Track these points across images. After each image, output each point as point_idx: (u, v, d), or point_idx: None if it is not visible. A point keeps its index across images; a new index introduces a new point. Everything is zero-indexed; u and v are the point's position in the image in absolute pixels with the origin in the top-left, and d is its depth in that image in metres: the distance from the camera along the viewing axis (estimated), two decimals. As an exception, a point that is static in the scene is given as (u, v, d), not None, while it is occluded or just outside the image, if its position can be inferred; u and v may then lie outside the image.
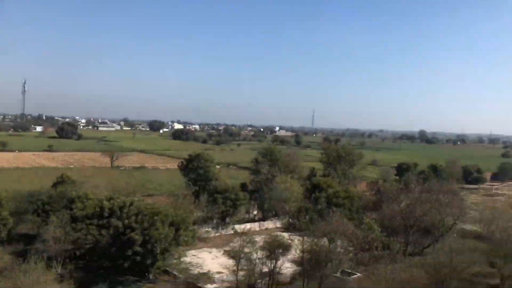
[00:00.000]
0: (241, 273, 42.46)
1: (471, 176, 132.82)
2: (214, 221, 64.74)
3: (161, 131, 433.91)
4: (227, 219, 66.12)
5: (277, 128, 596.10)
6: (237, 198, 66.85)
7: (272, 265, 42.42)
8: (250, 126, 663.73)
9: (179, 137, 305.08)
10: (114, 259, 44.09)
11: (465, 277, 45.74)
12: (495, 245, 52.20)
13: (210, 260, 52.03)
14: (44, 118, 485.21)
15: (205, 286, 43.30)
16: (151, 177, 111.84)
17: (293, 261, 46.31)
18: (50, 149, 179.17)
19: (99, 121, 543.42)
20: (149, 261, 42.42)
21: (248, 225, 67.71)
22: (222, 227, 64.90)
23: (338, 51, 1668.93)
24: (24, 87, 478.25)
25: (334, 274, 42.97)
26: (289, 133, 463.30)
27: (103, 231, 45.01)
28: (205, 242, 59.37)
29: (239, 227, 65.32)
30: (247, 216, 74.56)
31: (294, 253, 44.46)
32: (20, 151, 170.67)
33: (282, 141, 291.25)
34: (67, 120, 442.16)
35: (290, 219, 70.29)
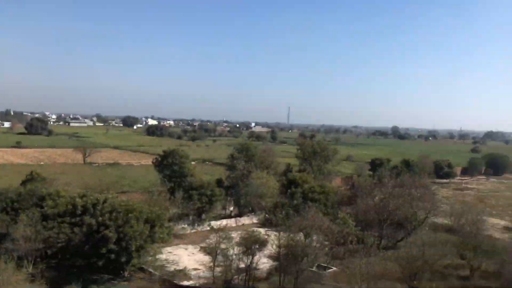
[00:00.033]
0: (217, 269, 42.35)
1: (442, 171, 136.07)
2: (190, 217, 64.27)
3: (135, 127, 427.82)
4: (203, 216, 65.74)
5: (253, 124, 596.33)
6: (213, 194, 66.53)
7: (249, 260, 42.46)
8: (225, 122, 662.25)
9: (154, 133, 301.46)
10: (88, 257, 43.27)
11: (436, 269, 46.96)
12: (465, 238, 53.76)
13: (186, 256, 51.65)
14: (12, 113, 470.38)
15: (181, 282, 42.98)
16: (125, 174, 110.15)
17: (270, 257, 46.45)
18: (18, 145, 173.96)
19: (71, 116, 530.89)
20: (124, 259, 41.76)
21: (224, 221, 67.41)
22: (198, 223, 64.49)
23: (312, 48, 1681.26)
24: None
25: (310, 269, 43.39)
26: (265, 129, 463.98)
27: (76, 229, 44.05)
28: (181, 238, 58.95)
29: (215, 224, 64.97)
30: (223, 212, 74.37)
31: (271, 249, 44.56)
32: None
33: (258, 137, 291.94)
34: (36, 115, 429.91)
35: (267, 215, 70.38)
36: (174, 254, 51.97)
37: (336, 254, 50.30)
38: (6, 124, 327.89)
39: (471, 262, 49.01)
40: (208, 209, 66.17)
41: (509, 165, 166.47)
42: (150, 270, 45.04)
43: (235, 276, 42.85)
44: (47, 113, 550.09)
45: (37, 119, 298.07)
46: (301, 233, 45.41)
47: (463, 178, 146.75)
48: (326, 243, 48.02)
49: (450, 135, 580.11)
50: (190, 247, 55.60)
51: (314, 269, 45.12)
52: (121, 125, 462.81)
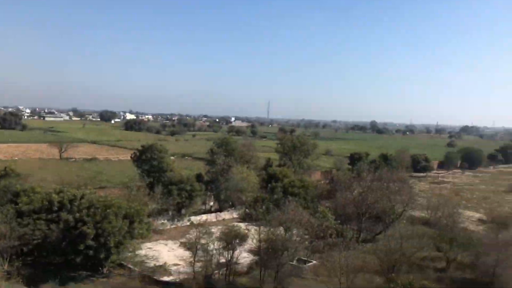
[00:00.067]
0: (198, 264, 42.17)
1: (419, 165, 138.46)
2: (170, 213, 63.75)
3: (112, 122, 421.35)
4: (183, 211, 65.31)
5: (233, 119, 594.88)
6: (193, 189, 66.10)
7: (229, 255, 42.40)
8: (205, 116, 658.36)
9: (132, 128, 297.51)
10: (65, 254, 42.41)
11: (414, 262, 47.89)
12: (442, 230, 54.94)
13: (166, 252, 51.26)
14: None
15: (161, 278, 42.66)
16: (103, 169, 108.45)
17: (250, 251, 46.52)
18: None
19: (46, 111, 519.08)
20: (102, 255, 41.15)
21: (204, 216, 67.24)
22: (178, 219, 64.03)
23: (291, 43, 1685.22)
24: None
25: (291, 262, 43.64)
26: (244, 124, 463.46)
27: (52, 226, 43.15)
28: (160, 234, 58.46)
29: (195, 219, 64.79)
30: (203, 207, 74.04)
31: (251, 243, 44.62)
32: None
33: (237, 131, 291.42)
34: (10, 109, 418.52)
35: (247, 210, 70.38)
36: (154, 250, 51.51)
37: (316, 248, 50.70)
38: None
39: (447, 254, 50.14)
40: (188, 204, 65.74)
41: (484, 159, 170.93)
42: (130, 266, 44.57)
43: (216, 271, 42.79)
44: (21, 107, 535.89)
45: (11, 113, 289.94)
46: (281, 227, 45.59)
47: (439, 172, 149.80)
48: (306, 237, 48.39)
49: (427, 130, 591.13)
50: (170, 242, 55.20)
51: (294, 263, 45.42)
52: (99, 119, 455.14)
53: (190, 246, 42.35)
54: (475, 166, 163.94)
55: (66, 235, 41.80)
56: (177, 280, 42.02)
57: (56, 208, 45.56)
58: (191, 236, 43.64)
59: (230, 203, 74.50)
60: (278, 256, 40.67)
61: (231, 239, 42.49)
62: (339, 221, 58.20)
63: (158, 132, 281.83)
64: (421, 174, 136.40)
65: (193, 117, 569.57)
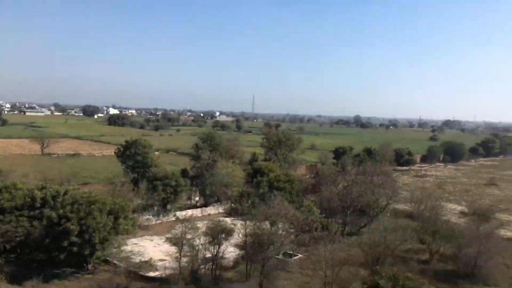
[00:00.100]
0: (184, 259, 42.05)
1: (402, 159, 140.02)
2: (155, 208, 63.39)
3: (95, 117, 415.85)
4: (168, 206, 65.02)
5: (218, 113, 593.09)
6: (178, 184, 65.80)
7: (215, 250, 42.42)
8: (189, 111, 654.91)
9: (115, 123, 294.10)
10: (49, 251, 41.87)
11: (398, 254, 48.64)
12: (425, 223, 55.83)
13: (151, 247, 51.01)
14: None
15: (147, 274, 42.48)
16: (86, 165, 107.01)
17: (236, 245, 46.59)
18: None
19: (26, 106, 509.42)
20: (87, 252, 40.74)
21: (190, 212, 67.05)
22: (163, 214, 63.73)
23: (276, 37, 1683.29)
24: None
25: (276, 256, 43.84)
26: (229, 118, 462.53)
27: (35, 223, 42.57)
28: (146, 230, 58.16)
29: (180, 214, 64.53)
30: (189, 202, 73.82)
31: (237, 238, 44.73)
32: None
33: (222, 126, 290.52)
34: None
35: (233, 204, 70.49)
36: (140, 246, 51.21)
37: (301, 242, 51.05)
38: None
39: (430, 247, 51.03)
40: (173, 199, 65.47)
41: (465, 153, 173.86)
42: (115, 262, 44.26)
43: (202, 266, 42.77)
44: (0, 102, 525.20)
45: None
46: (267, 221, 45.77)
47: (422, 165, 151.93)
48: (292, 230, 48.71)
49: (410, 124, 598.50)
50: (155, 238, 54.95)
51: (280, 256, 45.67)
52: (81, 114, 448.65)
53: (176, 241, 42.17)
54: (457, 159, 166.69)
55: (50, 231, 41.23)
56: (163, 276, 41.87)
57: (38, 205, 44.93)
58: (176, 232, 43.46)
59: (216, 198, 74.41)
60: (264, 250, 40.83)
61: (217, 233, 42.49)
62: (324, 215, 58.70)
63: (142, 127, 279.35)
64: (405, 168, 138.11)
65: (177, 112, 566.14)
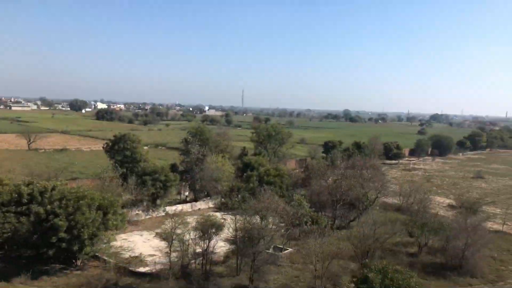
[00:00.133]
0: (174, 254, 41.88)
1: (391, 152, 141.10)
2: (144, 203, 62.94)
3: (83, 111, 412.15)
4: (158, 201, 64.63)
5: (207, 108, 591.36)
6: (167, 179, 65.43)
7: (205, 245, 42.30)
8: (178, 105, 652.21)
9: (103, 117, 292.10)
10: (37, 247, 41.44)
11: (387, 247, 49.07)
12: (413, 216, 56.31)
13: (141, 243, 50.74)
14: None
15: (137, 269, 42.27)
16: (74, 160, 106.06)
17: (227, 240, 46.54)
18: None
19: (12, 100, 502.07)
20: (76, 247, 40.32)
21: (179, 207, 66.77)
22: (153, 209, 63.35)
23: (266, 32, 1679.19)
24: None
25: (267, 250, 43.86)
26: (219, 113, 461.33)
27: (23, 219, 42.00)
28: (135, 225, 57.84)
29: (170, 209, 64.20)
30: (178, 197, 73.55)
31: (227, 232, 44.64)
32: None
33: (212, 120, 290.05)
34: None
35: (223, 199, 70.39)
36: (129, 241, 50.94)
37: (291, 236, 51.16)
38: None
39: (419, 240, 51.53)
40: (162, 194, 65.12)
41: (453, 146, 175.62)
42: (104, 257, 43.94)
43: (192, 261, 42.67)
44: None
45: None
46: (257, 215, 45.74)
47: (411, 159, 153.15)
48: (282, 225, 48.80)
49: (399, 118, 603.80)
50: (145, 233, 54.67)
51: (270, 251, 45.72)
52: (68, 109, 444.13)
53: (165, 237, 41.96)
54: (445, 153, 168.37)
55: (37, 228, 40.74)
56: (153, 271, 41.69)
57: (25, 201, 44.37)
58: (166, 227, 43.23)
59: (206, 192, 74.19)
60: (254, 244, 40.82)
61: (207, 228, 42.36)
62: (314, 209, 58.88)
63: (130, 121, 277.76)
64: (393, 162, 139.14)
65: (166, 106, 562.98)
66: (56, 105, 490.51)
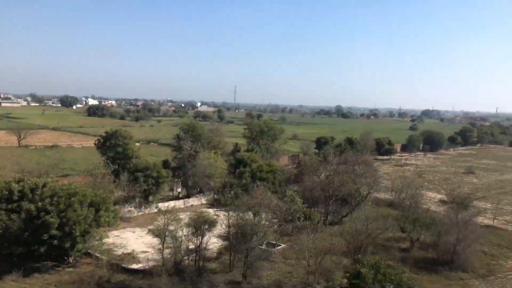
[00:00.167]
0: (166, 251, 41.80)
1: (383, 148, 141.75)
2: (137, 200, 62.72)
3: (74, 107, 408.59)
4: (150, 198, 64.39)
5: (199, 104, 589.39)
6: (160, 176, 65.18)
7: (198, 241, 42.26)
8: (170, 101, 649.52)
9: (95, 113, 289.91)
10: (28, 244, 41.05)
11: (379, 243, 49.32)
12: (405, 211, 56.71)
13: (134, 239, 50.57)
14: None
15: (130, 266, 42.12)
16: (65, 156, 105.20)
17: (220, 236, 46.42)
18: None
19: (1, 96, 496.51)
20: (67, 244, 40.06)
21: (172, 203, 66.59)
22: (145, 206, 63.13)
23: (258, 28, 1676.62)
24: None
25: (260, 246, 43.92)
26: (211, 109, 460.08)
27: (14, 216, 41.46)
28: (128, 222, 57.63)
29: (163, 205, 64.09)
30: (171, 194, 73.31)
31: (220, 228, 44.54)
32: None
33: (204, 116, 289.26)
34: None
35: (215, 195, 70.30)
36: (122, 238, 50.75)
37: (284, 231, 51.23)
38: None
39: (411, 235, 51.90)
40: (155, 191, 64.85)
41: (444, 142, 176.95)
42: (97, 254, 43.72)
43: (185, 257, 42.62)
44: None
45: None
46: (250, 212, 45.77)
47: (402, 155, 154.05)
48: (275, 220, 48.86)
49: (390, 114, 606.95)
50: (137, 230, 54.46)
51: (263, 246, 45.76)
52: (59, 105, 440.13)
53: (158, 233, 41.84)
54: (436, 148, 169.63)
55: (29, 225, 40.35)
56: (146, 268, 41.56)
57: (16, 198, 43.81)
58: (159, 223, 43.14)
59: (198, 189, 74.06)
60: (247, 240, 40.84)
61: (200, 225, 42.29)
62: (306, 205, 59.02)
63: (122, 117, 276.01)
64: (385, 157, 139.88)
65: (158, 102, 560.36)
66: (46, 101, 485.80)
